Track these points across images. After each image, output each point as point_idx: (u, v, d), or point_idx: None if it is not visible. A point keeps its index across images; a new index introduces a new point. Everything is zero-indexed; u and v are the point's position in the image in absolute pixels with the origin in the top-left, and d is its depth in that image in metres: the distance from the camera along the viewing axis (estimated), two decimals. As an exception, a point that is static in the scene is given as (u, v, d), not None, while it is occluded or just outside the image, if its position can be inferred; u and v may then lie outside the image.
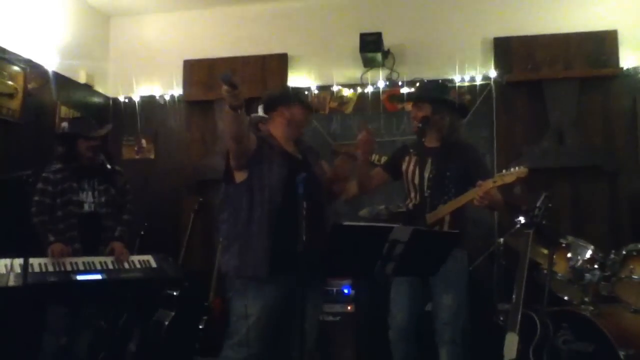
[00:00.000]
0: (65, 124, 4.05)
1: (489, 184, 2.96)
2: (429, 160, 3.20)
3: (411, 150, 3.35)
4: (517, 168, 2.96)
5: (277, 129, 2.98)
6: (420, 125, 3.18)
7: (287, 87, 4.55)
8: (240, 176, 2.81)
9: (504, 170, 3.02)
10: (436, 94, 3.35)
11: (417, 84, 4.78)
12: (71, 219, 3.73)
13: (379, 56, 4.92)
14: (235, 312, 2.78)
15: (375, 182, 3.46)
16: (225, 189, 2.89)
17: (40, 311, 3.67)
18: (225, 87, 2.39)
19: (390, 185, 4.72)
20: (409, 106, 4.86)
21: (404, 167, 3.34)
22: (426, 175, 3.18)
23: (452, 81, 4.87)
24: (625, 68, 4.65)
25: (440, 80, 4.74)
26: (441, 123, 3.26)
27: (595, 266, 3.55)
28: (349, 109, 5.11)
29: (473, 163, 3.22)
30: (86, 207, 3.80)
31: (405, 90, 4.95)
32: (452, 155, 3.21)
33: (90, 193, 3.83)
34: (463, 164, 3.19)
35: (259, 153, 2.79)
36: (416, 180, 3.22)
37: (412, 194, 3.28)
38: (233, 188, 2.84)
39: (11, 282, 3.27)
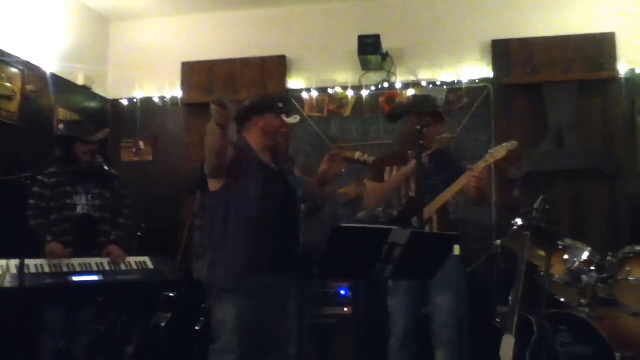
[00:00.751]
0: (62, 126, 4.04)
1: (481, 164, 2.98)
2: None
3: (409, 152, 3.36)
4: (505, 144, 2.97)
5: (253, 138, 2.96)
6: (419, 127, 3.18)
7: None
8: (214, 185, 2.81)
9: (494, 148, 3.04)
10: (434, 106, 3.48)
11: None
12: (65, 223, 3.72)
13: (377, 59, 4.92)
14: (215, 318, 2.80)
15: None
16: (201, 198, 2.90)
17: (37, 313, 3.66)
18: (214, 107, 2.43)
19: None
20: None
21: (386, 175, 3.35)
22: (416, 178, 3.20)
23: (451, 84, 4.88)
24: (624, 71, 4.65)
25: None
26: (435, 133, 3.33)
27: (593, 268, 3.54)
28: (348, 111, 5.11)
29: (459, 169, 3.23)
30: (79, 209, 3.79)
31: (404, 92, 4.96)
32: (439, 163, 3.27)
33: (84, 196, 3.81)
34: (449, 171, 3.22)
35: (235, 163, 2.78)
36: (409, 183, 3.25)
37: (397, 201, 3.30)
38: (209, 197, 2.85)
39: (7, 284, 3.27)
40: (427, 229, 3.11)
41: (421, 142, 3.19)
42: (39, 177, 3.72)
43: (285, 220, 2.76)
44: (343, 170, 3.10)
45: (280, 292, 2.71)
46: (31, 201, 3.67)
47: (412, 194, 3.23)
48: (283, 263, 2.70)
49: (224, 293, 2.73)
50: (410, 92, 4.91)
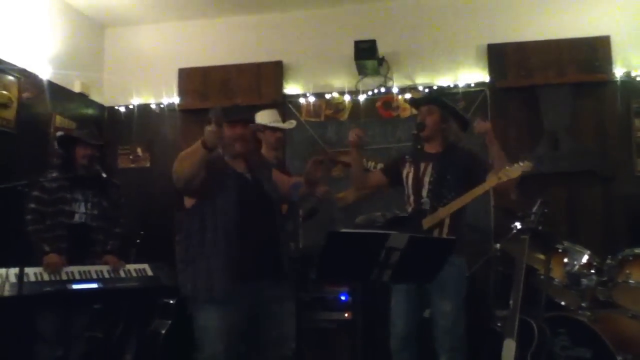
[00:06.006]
0: (61, 133, 4.04)
1: (493, 180, 2.97)
2: (430, 165, 3.22)
3: (406, 157, 3.36)
4: (521, 163, 2.97)
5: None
6: (416, 132, 3.19)
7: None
8: (189, 201, 2.81)
9: (507, 167, 3.02)
10: (447, 101, 3.42)
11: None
12: (60, 230, 3.70)
13: (373, 63, 4.93)
14: (198, 325, 2.76)
15: (372, 182, 3.50)
16: (178, 215, 2.89)
17: (34, 320, 3.65)
18: (212, 126, 2.44)
19: (388, 193, 4.72)
20: (404, 112, 4.96)
21: (404, 172, 3.34)
22: (426, 179, 3.19)
23: (447, 88, 4.89)
24: (619, 74, 4.67)
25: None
26: (448, 130, 3.30)
27: (592, 271, 3.55)
28: (344, 116, 5.12)
29: (475, 166, 3.22)
30: (77, 217, 3.77)
31: (400, 96, 4.97)
32: (453, 160, 3.22)
33: (83, 204, 3.80)
34: (463, 167, 3.19)
35: (209, 176, 2.74)
36: (416, 185, 3.22)
37: (412, 199, 3.27)
38: (185, 213, 2.83)
39: (7, 292, 3.25)
40: (436, 233, 3.11)
41: (418, 146, 3.21)
42: (41, 179, 3.69)
43: (263, 227, 2.74)
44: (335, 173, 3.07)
45: (266, 297, 2.67)
46: (31, 205, 3.64)
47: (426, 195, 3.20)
48: (267, 269, 2.69)
49: (206, 304, 2.70)
50: (407, 96, 4.91)
